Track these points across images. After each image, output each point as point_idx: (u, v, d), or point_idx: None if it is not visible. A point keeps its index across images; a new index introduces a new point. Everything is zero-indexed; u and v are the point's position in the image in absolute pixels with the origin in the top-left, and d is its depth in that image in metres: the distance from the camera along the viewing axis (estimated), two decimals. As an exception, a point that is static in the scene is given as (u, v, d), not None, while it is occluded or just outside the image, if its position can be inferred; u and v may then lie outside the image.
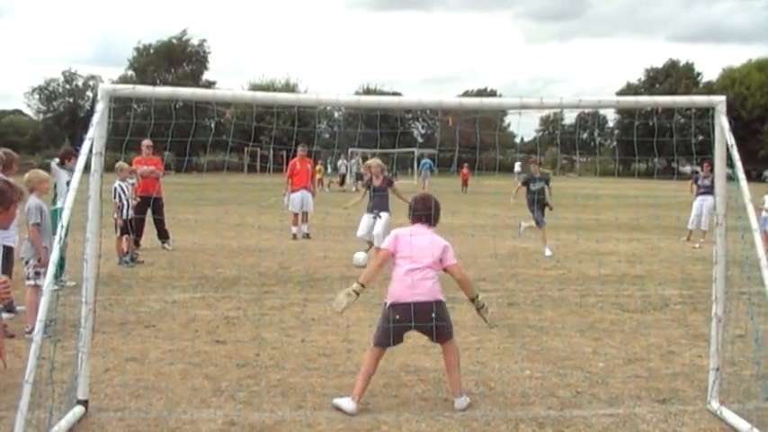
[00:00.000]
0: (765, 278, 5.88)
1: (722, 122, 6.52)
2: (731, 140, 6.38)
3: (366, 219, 15.05)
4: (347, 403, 6.64)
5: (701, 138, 8.07)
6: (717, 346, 6.79)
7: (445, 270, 6.79)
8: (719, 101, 6.62)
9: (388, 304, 6.74)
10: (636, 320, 10.25)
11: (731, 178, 6.44)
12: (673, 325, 10.00)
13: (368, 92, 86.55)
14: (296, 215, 19.51)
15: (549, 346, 8.76)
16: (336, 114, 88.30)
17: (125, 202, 14.27)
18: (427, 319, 6.57)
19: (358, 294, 6.74)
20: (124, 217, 14.19)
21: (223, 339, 8.85)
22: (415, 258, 6.68)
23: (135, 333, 9.04)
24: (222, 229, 18.32)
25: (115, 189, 14.18)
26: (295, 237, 19.10)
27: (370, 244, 15.06)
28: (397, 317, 6.62)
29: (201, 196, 18.55)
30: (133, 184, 15.12)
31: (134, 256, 14.54)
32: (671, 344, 9.01)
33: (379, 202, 14.94)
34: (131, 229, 14.19)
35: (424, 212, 6.97)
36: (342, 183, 47.09)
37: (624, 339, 9.16)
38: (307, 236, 19.24)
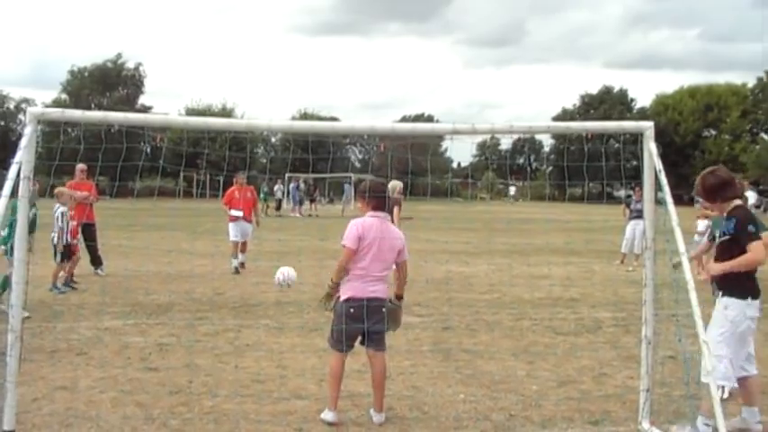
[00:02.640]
0: (693, 300, 6.02)
1: (650, 148, 6.66)
2: (659, 165, 6.53)
3: None
4: (326, 414, 6.87)
5: (634, 163, 8.21)
6: (647, 368, 6.91)
7: (397, 264, 7.07)
8: (647, 127, 6.77)
9: (342, 299, 6.91)
10: (569, 343, 10.37)
11: (660, 202, 6.59)
12: (605, 347, 10.14)
13: (305, 117, 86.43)
14: (236, 245, 17.68)
15: (483, 370, 8.81)
16: (273, 139, 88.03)
17: (65, 227, 13.99)
18: (379, 315, 6.83)
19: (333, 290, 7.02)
20: (65, 242, 13.91)
21: (155, 366, 8.72)
22: (377, 257, 6.87)
23: (65, 361, 8.85)
24: (156, 255, 18.10)
25: (62, 213, 13.90)
26: (237, 270, 17.15)
27: None
28: (352, 310, 6.80)
29: (135, 221, 18.34)
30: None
31: (68, 281, 14.24)
32: (603, 366, 9.14)
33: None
34: (69, 254, 13.94)
35: (382, 195, 7.15)
36: (278, 208, 46.84)
37: (557, 362, 9.27)
38: (241, 265, 17.40)
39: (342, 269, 6.91)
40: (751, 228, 6.55)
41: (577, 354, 9.63)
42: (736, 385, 6.90)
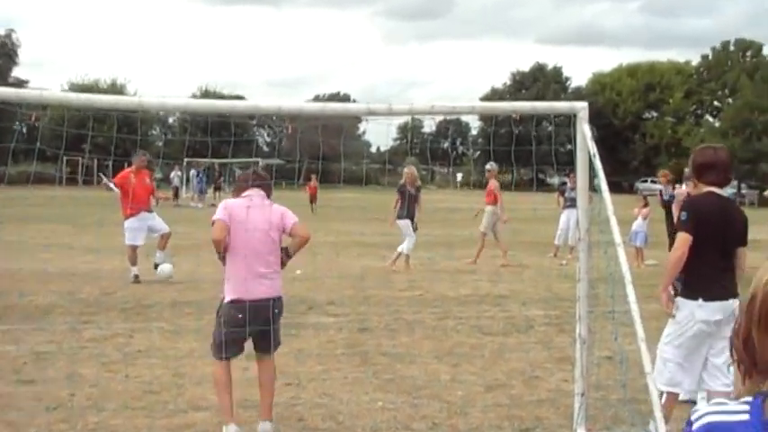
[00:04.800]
0: (629, 295, 6.08)
1: (584, 130, 6.72)
2: (593, 149, 6.59)
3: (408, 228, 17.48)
4: (227, 429, 6.70)
5: (569, 147, 8.30)
6: (582, 370, 6.97)
7: (291, 234, 6.91)
8: (581, 107, 6.82)
9: (226, 301, 6.74)
10: (498, 344, 10.45)
11: (596, 190, 6.64)
12: (537, 348, 10.25)
13: (206, 95, 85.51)
14: (135, 249, 15.47)
15: (403, 375, 8.82)
16: (170, 120, 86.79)
17: None
18: (266, 316, 6.66)
19: None
20: None
21: (31, 379, 8.46)
22: (257, 246, 6.70)
23: None
24: (33, 251, 17.65)
25: None
26: (137, 278, 15.16)
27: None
28: (240, 315, 6.61)
29: (7, 213, 17.79)
30: None
31: None
32: (535, 368, 9.23)
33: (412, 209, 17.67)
34: None
35: (264, 180, 7.02)
36: (175, 196, 45.98)
37: (485, 365, 9.33)
38: (155, 264, 15.44)
39: (219, 243, 6.70)
40: (682, 215, 6.49)
41: (506, 355, 9.72)
42: (701, 395, 6.97)
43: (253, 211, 6.73)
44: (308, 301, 12.90)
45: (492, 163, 20.21)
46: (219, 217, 6.71)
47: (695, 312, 6.39)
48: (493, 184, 19.27)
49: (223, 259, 6.82)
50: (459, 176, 65.30)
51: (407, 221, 17.52)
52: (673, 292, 6.62)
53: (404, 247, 17.45)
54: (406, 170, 18.51)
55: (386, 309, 12.58)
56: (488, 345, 10.42)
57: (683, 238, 6.36)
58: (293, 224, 6.90)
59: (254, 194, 6.88)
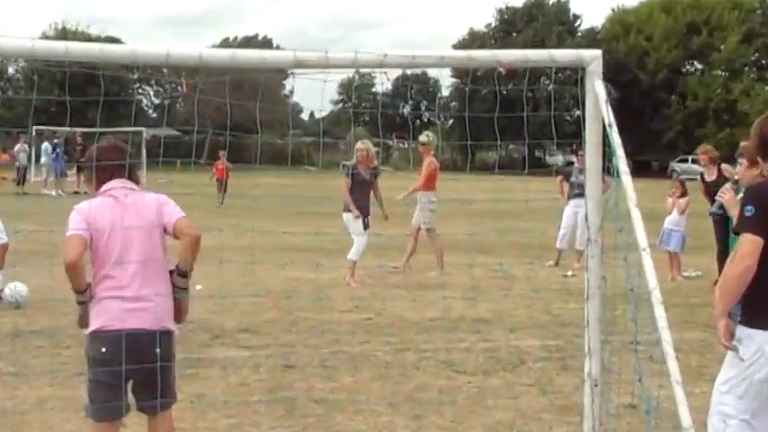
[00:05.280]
0: (659, 319, 6.03)
1: (597, 89, 6.73)
2: (610, 116, 6.59)
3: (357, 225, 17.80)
4: None
5: (577, 113, 8.32)
6: (594, 423, 7.04)
7: (175, 235, 6.66)
8: (593, 57, 6.83)
9: (88, 331, 6.58)
10: (476, 386, 10.50)
11: (611, 173, 6.66)
12: (531, 392, 10.30)
13: (63, 35, 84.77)
14: None
15: (344, 429, 8.86)
16: (11, 70, 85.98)
17: None
18: (148, 356, 6.45)
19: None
20: None
21: None
22: (128, 254, 6.55)
23: None
24: None
25: None
26: None
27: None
28: (103, 350, 6.45)
29: None
30: None
31: None
32: (528, 420, 9.28)
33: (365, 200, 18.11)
34: None
35: (120, 159, 6.85)
36: (21, 181, 45.19)
37: (459, 415, 9.37)
38: None
39: (73, 269, 6.42)
40: (746, 209, 6.20)
41: (488, 402, 9.76)
42: None
43: (120, 213, 6.61)
44: (212, 328, 12.87)
45: (428, 133, 20.38)
46: (75, 231, 6.48)
47: (765, 347, 6.15)
48: (428, 161, 19.25)
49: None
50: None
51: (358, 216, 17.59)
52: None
53: (351, 252, 17.55)
54: (359, 145, 18.56)
55: (321, 338, 12.56)
56: (463, 387, 10.47)
57: (750, 242, 6.09)
58: (176, 220, 6.66)
59: (117, 187, 6.73)
